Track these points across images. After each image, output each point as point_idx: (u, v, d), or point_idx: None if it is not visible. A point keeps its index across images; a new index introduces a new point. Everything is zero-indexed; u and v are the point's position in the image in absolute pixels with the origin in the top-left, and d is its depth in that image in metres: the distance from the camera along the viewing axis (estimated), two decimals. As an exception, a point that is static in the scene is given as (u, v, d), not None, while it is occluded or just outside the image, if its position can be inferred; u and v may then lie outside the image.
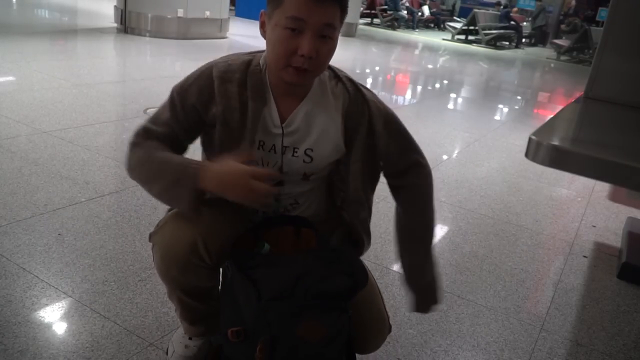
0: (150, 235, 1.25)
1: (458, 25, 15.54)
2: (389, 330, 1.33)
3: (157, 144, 1.20)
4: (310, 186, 1.33)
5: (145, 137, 1.21)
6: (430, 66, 10.04)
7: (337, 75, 1.29)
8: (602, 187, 3.63)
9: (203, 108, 1.21)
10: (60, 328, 1.61)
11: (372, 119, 1.27)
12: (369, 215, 1.38)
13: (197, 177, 1.12)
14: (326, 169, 1.30)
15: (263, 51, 1.26)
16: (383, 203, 2.90)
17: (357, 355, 1.32)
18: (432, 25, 18.32)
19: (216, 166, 1.14)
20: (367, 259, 2.16)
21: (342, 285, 1.11)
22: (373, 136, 1.28)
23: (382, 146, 1.29)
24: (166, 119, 1.22)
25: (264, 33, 1.19)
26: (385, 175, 1.38)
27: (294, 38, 1.11)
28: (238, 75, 1.21)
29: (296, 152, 1.25)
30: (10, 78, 4.43)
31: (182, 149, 1.26)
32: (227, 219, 1.24)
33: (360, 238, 1.36)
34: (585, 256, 2.59)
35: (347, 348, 1.18)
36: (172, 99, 1.23)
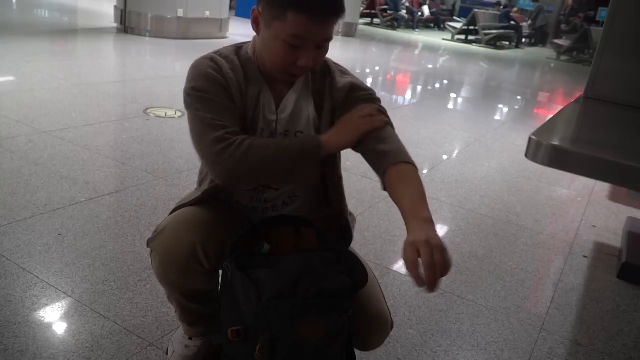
0: (149, 241, 1.25)
1: (458, 25, 15.54)
2: (392, 326, 1.34)
3: (248, 138, 1.13)
4: None
5: (230, 136, 1.12)
6: (430, 66, 10.04)
7: None
8: (602, 187, 3.62)
9: (229, 87, 1.19)
10: (60, 328, 1.61)
11: (334, 92, 1.28)
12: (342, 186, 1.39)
13: (319, 145, 1.17)
14: None
15: (246, 43, 1.28)
16: (383, 203, 2.90)
17: (359, 353, 1.32)
18: (432, 25, 18.32)
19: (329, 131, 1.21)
20: (367, 259, 2.16)
21: (343, 285, 1.11)
22: (337, 106, 1.27)
23: (339, 107, 1.27)
24: (220, 110, 1.15)
25: (257, 29, 1.19)
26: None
27: (294, 51, 1.13)
28: (236, 63, 1.23)
29: (287, 135, 1.27)
30: (10, 78, 4.43)
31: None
32: (226, 223, 1.25)
33: (347, 223, 1.37)
34: (585, 256, 2.59)
35: (347, 347, 1.18)
36: (200, 92, 1.16)
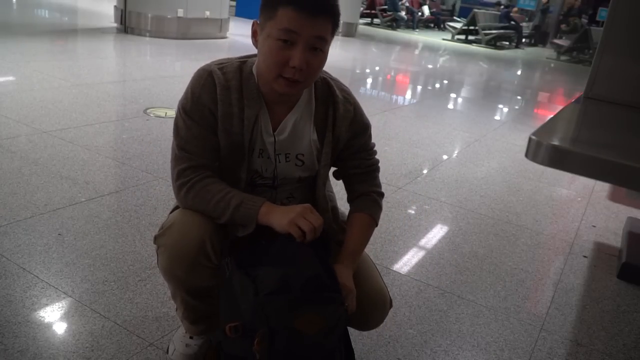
0: (156, 238, 1.26)
1: (458, 25, 15.54)
2: (390, 305, 1.35)
3: (204, 178, 1.22)
4: (303, 183, 1.38)
5: (189, 173, 1.22)
6: (430, 66, 10.04)
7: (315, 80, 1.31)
8: (602, 187, 3.62)
9: (217, 112, 1.23)
10: (60, 328, 1.61)
11: (337, 122, 1.31)
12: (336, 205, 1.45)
13: (259, 204, 1.20)
14: (315, 171, 1.35)
15: (254, 55, 1.28)
16: (382, 203, 2.90)
17: (359, 352, 1.32)
18: (432, 25, 18.31)
19: (276, 206, 1.22)
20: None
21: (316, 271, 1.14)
22: (338, 140, 1.33)
23: (341, 144, 1.35)
24: (193, 138, 1.23)
25: (255, 42, 1.22)
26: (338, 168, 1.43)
27: (285, 49, 1.13)
28: (234, 82, 1.23)
29: (288, 157, 1.30)
30: (10, 78, 4.43)
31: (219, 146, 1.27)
32: None
33: (336, 228, 1.41)
34: (585, 256, 2.59)
35: (345, 339, 1.18)
36: (187, 116, 1.23)
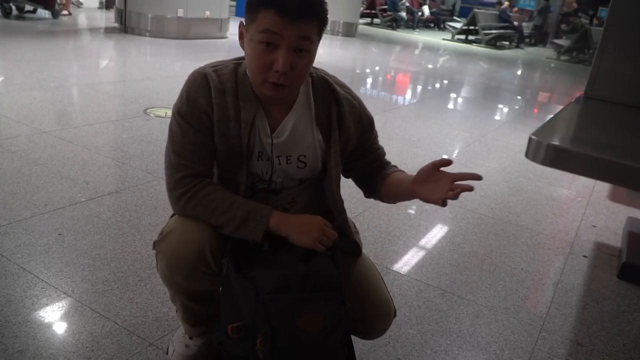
0: (155, 244, 1.25)
1: (458, 25, 15.54)
2: (395, 314, 1.34)
3: (206, 186, 1.20)
4: (305, 185, 1.36)
5: (188, 182, 1.19)
6: (430, 66, 10.04)
7: (312, 78, 1.29)
8: (602, 187, 3.62)
9: (213, 116, 1.21)
10: (60, 328, 1.61)
11: (343, 119, 1.29)
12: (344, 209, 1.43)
13: (267, 218, 1.18)
14: (318, 172, 1.33)
15: None
16: (383, 203, 2.90)
17: (359, 352, 1.32)
18: (432, 25, 18.31)
19: (284, 214, 1.22)
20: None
21: (331, 272, 1.15)
22: (348, 138, 1.31)
23: (352, 142, 1.33)
24: (190, 143, 1.20)
25: (242, 45, 1.20)
26: (348, 168, 1.41)
27: (268, 53, 1.12)
28: (230, 84, 1.21)
29: (289, 159, 1.28)
30: (11, 78, 4.43)
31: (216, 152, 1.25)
32: None
33: (348, 231, 1.38)
34: (585, 256, 2.59)
35: (346, 338, 1.18)
36: (183, 120, 1.20)
